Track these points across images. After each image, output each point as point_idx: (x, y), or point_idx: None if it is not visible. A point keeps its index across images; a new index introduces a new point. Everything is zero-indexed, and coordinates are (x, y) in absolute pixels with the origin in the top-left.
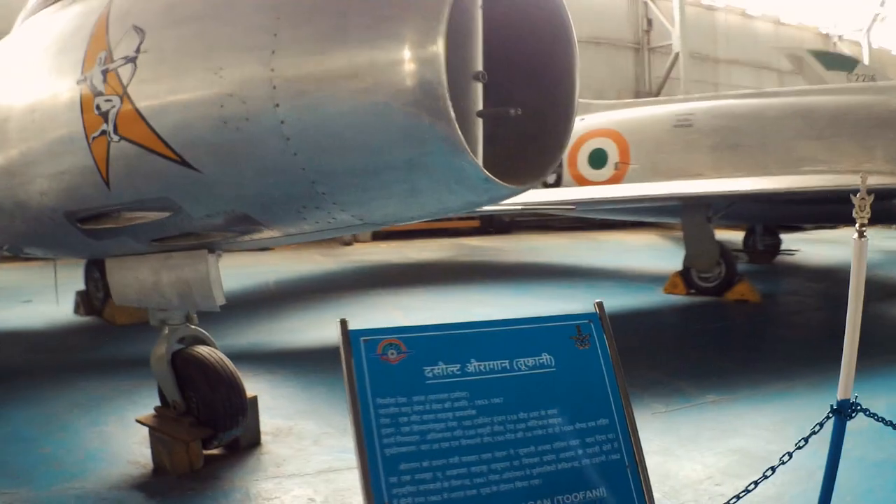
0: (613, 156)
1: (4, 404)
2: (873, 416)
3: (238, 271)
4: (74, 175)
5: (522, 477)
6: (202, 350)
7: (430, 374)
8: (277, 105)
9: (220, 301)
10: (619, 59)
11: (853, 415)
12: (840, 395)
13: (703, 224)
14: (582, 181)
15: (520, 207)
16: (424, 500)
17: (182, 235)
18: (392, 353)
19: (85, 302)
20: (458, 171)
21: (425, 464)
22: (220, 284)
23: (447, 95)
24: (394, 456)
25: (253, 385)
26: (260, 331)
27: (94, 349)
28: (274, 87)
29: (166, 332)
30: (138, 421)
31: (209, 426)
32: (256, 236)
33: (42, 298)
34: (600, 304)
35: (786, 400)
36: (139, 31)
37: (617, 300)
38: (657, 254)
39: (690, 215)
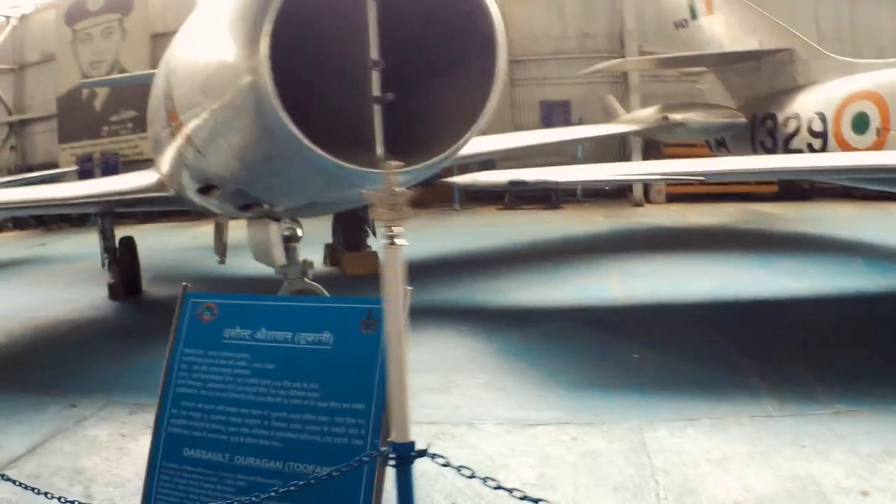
0: (875, 121)
1: None
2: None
3: (514, 228)
4: (175, 155)
5: (267, 437)
6: None
7: (228, 336)
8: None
9: (280, 262)
10: None
11: (411, 461)
12: (395, 436)
13: None
14: (845, 146)
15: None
16: (189, 434)
17: (246, 206)
18: (206, 315)
19: (330, 254)
20: (312, 161)
21: (199, 405)
22: (279, 247)
23: (273, 93)
24: (180, 394)
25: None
26: (467, 289)
27: None
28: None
29: (285, 284)
30: None
31: None
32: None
33: (307, 250)
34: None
35: None
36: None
37: (844, 281)
38: None
39: None
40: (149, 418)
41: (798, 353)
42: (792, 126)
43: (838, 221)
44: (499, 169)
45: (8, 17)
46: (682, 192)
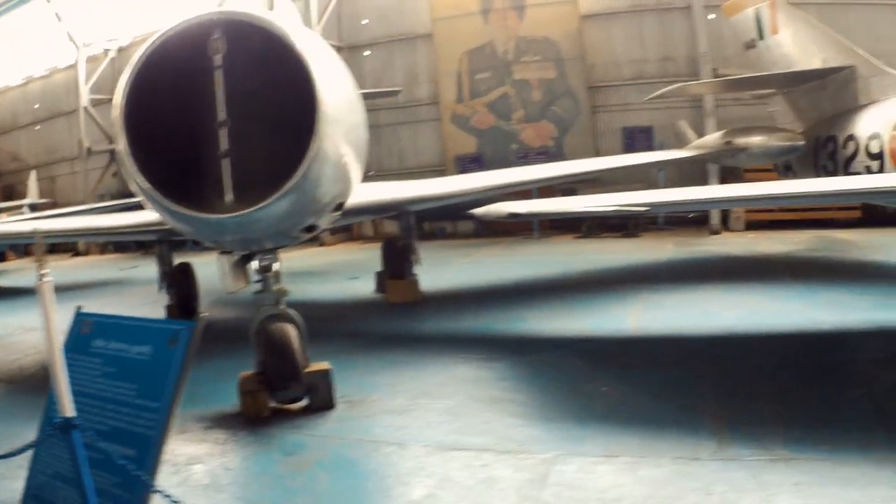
0: None
1: (227, 356)
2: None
3: (578, 257)
4: None
5: (103, 423)
6: (274, 325)
7: (93, 345)
8: None
9: (228, 289)
10: None
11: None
12: (60, 411)
13: None
14: None
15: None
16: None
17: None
18: (85, 328)
19: (379, 282)
20: (165, 208)
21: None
22: (227, 276)
23: (130, 154)
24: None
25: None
26: (492, 317)
27: (343, 320)
28: None
29: (261, 310)
30: (241, 375)
31: (267, 385)
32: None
33: (369, 277)
34: (202, 318)
35: (871, 476)
36: None
37: (883, 314)
38: None
39: None
40: None
41: (779, 392)
42: (851, 148)
43: None
44: (581, 195)
45: (107, 50)
46: (762, 219)
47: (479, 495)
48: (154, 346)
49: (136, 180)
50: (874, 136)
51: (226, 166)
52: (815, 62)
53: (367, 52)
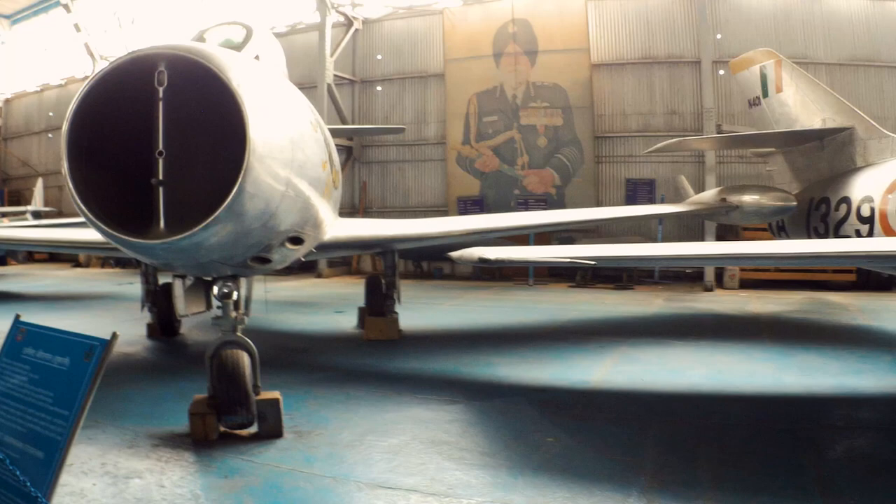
0: None
1: (193, 377)
2: None
3: (567, 306)
4: None
5: (22, 425)
6: (228, 351)
7: (24, 352)
8: None
9: (179, 312)
10: None
11: None
12: None
13: None
14: (891, 233)
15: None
16: None
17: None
18: (19, 336)
19: (361, 317)
20: (103, 232)
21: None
22: (181, 300)
23: (70, 177)
24: None
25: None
26: (464, 360)
27: (315, 352)
28: None
29: (219, 334)
30: (195, 397)
31: (216, 410)
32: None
33: (355, 312)
34: (114, 335)
35: None
36: None
37: (854, 380)
38: None
39: None
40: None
41: (722, 454)
42: (843, 211)
43: None
44: (578, 243)
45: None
46: (757, 277)
47: None
48: (72, 358)
49: (75, 202)
50: (866, 200)
51: (159, 194)
52: (815, 122)
53: (378, 88)
